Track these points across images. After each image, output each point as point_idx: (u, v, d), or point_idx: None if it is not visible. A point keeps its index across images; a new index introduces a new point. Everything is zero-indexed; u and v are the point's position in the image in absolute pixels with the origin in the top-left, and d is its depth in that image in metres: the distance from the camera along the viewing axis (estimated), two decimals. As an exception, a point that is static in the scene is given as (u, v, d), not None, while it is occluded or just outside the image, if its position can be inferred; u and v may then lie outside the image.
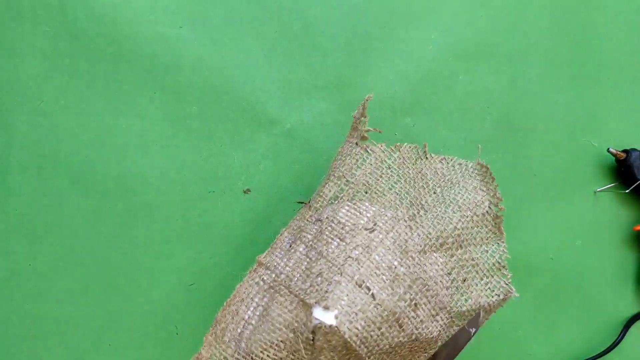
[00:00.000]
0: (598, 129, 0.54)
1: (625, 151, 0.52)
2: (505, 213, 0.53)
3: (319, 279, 0.34)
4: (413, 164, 0.40)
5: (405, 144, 0.40)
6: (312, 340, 0.33)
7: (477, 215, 0.38)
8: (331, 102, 0.51)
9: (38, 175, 0.48)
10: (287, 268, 0.37)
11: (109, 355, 0.48)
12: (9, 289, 0.47)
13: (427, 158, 0.40)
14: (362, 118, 0.39)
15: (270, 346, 0.34)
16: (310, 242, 0.37)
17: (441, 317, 0.36)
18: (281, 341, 0.34)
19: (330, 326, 0.32)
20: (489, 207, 0.39)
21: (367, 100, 0.39)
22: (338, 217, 0.37)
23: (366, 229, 0.36)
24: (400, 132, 0.51)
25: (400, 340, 0.34)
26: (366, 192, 0.39)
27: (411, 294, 0.34)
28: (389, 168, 0.39)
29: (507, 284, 0.38)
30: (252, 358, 0.35)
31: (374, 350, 0.34)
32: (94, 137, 0.48)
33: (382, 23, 0.51)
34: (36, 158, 0.48)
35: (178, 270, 0.49)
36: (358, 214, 0.37)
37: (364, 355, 0.34)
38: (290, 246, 0.38)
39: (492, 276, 0.38)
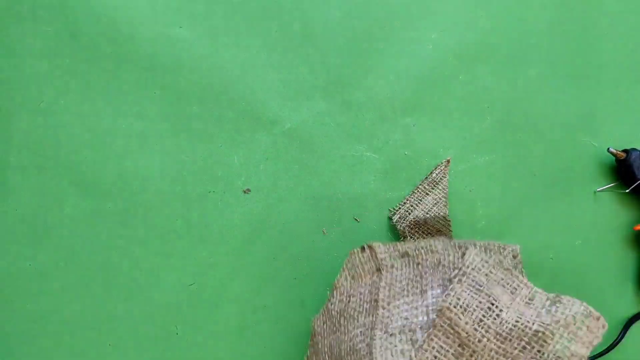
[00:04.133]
0: (598, 129, 0.54)
1: (625, 151, 0.52)
2: (505, 213, 0.53)
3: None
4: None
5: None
6: None
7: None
8: (331, 102, 0.51)
9: (38, 175, 0.48)
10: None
11: (109, 355, 0.48)
12: (9, 289, 0.47)
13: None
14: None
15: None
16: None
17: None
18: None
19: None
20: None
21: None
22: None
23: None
24: (400, 132, 0.51)
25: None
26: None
27: None
28: None
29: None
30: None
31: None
32: (94, 137, 0.48)
33: (382, 23, 0.51)
34: (36, 158, 0.48)
35: (178, 270, 0.49)
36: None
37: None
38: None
39: None
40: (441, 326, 0.33)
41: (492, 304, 0.34)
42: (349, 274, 0.41)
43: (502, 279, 0.36)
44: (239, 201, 0.50)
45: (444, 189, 0.50)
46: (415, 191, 0.51)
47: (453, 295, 0.34)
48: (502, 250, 0.38)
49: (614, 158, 0.53)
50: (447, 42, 0.52)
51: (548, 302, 0.35)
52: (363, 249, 0.41)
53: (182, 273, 0.49)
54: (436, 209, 0.49)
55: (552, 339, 0.33)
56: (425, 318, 0.34)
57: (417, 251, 0.40)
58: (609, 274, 0.54)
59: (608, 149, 0.52)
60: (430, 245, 0.41)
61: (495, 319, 0.34)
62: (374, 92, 0.51)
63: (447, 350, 0.33)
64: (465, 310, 0.34)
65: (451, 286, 0.35)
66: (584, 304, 0.34)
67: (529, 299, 0.35)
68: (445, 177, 0.50)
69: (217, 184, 0.50)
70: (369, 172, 0.51)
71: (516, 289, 0.36)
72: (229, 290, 0.49)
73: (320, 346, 0.40)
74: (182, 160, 0.49)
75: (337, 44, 0.51)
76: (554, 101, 0.54)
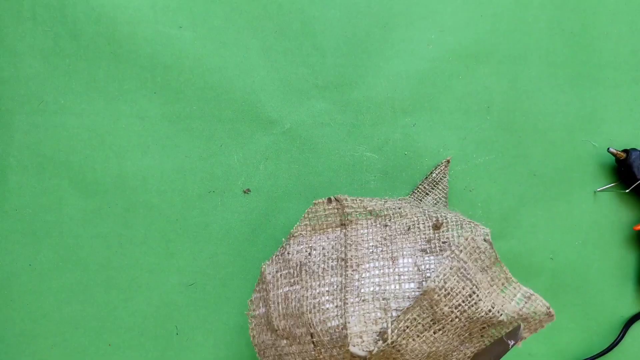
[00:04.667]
0: (598, 129, 0.54)
1: (625, 151, 0.52)
2: (505, 213, 0.53)
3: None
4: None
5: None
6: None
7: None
8: (331, 102, 0.51)
9: (38, 175, 0.48)
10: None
11: (109, 355, 0.48)
12: (9, 289, 0.47)
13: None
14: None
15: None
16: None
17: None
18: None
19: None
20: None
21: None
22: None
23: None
24: (400, 132, 0.51)
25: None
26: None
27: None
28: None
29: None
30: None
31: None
32: (94, 137, 0.48)
33: (382, 23, 0.51)
34: (36, 158, 0.48)
35: (178, 270, 0.49)
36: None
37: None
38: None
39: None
40: (421, 302, 0.34)
41: (474, 293, 0.35)
42: (310, 224, 0.40)
43: (487, 267, 0.38)
44: (239, 201, 0.50)
45: (444, 189, 0.50)
46: (415, 191, 0.51)
47: (441, 278, 0.35)
48: (474, 229, 0.39)
49: (614, 158, 0.53)
50: (447, 42, 0.52)
51: (519, 295, 0.37)
52: (330, 200, 0.40)
53: (182, 273, 0.49)
54: (436, 209, 0.50)
55: (510, 325, 0.37)
56: (397, 287, 0.35)
57: (385, 212, 0.40)
58: (609, 274, 0.54)
59: (608, 149, 0.52)
60: (399, 208, 0.41)
61: (472, 306, 0.35)
62: (374, 92, 0.51)
63: (419, 323, 0.34)
64: (448, 294, 0.35)
65: (441, 268, 0.35)
66: (547, 304, 0.37)
67: (503, 289, 0.37)
68: (445, 177, 0.51)
69: (217, 184, 0.50)
70: (369, 172, 0.51)
71: (495, 279, 0.38)
72: (229, 290, 0.49)
73: (272, 294, 0.39)
74: (182, 160, 0.49)
75: (337, 44, 0.51)
76: (554, 101, 0.54)
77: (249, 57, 0.50)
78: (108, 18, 0.48)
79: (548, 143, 0.53)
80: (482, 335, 0.37)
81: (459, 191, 0.52)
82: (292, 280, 0.38)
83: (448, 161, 0.51)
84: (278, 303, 0.38)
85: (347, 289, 0.35)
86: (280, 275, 0.39)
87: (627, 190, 0.52)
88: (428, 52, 0.52)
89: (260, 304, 0.40)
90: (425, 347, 0.35)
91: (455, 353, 0.38)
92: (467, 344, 0.37)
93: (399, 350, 0.34)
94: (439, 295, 0.34)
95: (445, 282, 0.35)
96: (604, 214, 0.54)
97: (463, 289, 0.35)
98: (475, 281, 0.36)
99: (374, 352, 0.33)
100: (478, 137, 0.53)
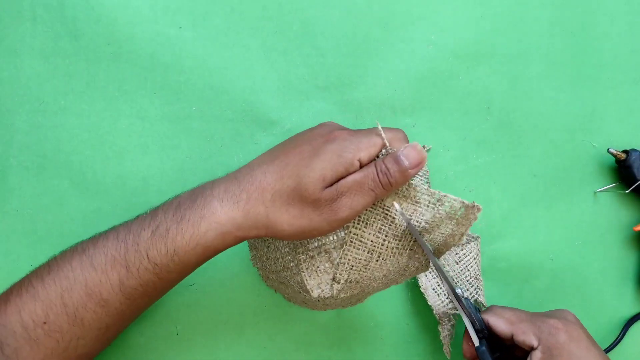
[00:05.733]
0: (598, 129, 0.54)
1: (625, 151, 0.52)
2: (505, 213, 0.53)
3: None
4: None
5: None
6: None
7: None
8: (331, 102, 0.51)
9: (38, 175, 0.48)
10: None
11: (109, 355, 0.48)
12: (9, 289, 0.47)
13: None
14: None
15: None
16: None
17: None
18: None
19: None
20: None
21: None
22: None
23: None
24: (400, 132, 0.51)
25: None
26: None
27: None
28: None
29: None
30: None
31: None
32: (94, 137, 0.48)
33: (382, 23, 0.51)
34: (36, 158, 0.48)
35: (178, 270, 0.49)
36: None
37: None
38: None
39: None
40: (351, 241, 0.39)
41: (387, 214, 0.39)
42: None
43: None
44: (239, 201, 0.50)
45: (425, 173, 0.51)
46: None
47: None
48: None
49: (614, 158, 0.53)
50: (447, 42, 0.52)
51: (432, 201, 0.39)
52: None
53: (182, 273, 0.49)
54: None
55: (438, 228, 0.39)
56: (335, 237, 0.40)
57: None
58: (609, 274, 0.54)
59: (608, 149, 0.52)
60: None
61: (390, 225, 0.39)
62: (374, 92, 0.51)
63: (360, 259, 0.39)
64: (366, 224, 0.39)
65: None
66: (460, 199, 0.38)
67: (416, 201, 0.39)
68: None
69: (217, 184, 0.49)
70: (369, 172, 0.51)
71: (406, 197, 0.40)
72: (229, 290, 0.49)
73: (260, 255, 0.47)
74: (182, 160, 0.49)
75: (337, 44, 0.51)
76: (554, 101, 0.54)
77: (249, 57, 0.50)
78: (108, 18, 0.48)
79: (548, 143, 0.53)
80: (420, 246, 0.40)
81: (459, 191, 0.52)
82: (266, 243, 0.45)
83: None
84: (264, 260, 0.47)
85: (299, 249, 0.41)
86: (260, 240, 0.47)
87: (627, 191, 0.52)
88: (428, 52, 0.52)
89: (257, 263, 0.49)
90: (377, 273, 0.40)
91: (410, 265, 0.41)
92: (417, 256, 0.41)
93: (357, 282, 0.40)
94: (359, 229, 0.39)
95: (359, 217, 0.39)
96: (604, 215, 0.54)
97: (377, 214, 0.39)
98: (384, 204, 0.39)
99: (334, 294, 0.40)
100: (478, 137, 0.53)
